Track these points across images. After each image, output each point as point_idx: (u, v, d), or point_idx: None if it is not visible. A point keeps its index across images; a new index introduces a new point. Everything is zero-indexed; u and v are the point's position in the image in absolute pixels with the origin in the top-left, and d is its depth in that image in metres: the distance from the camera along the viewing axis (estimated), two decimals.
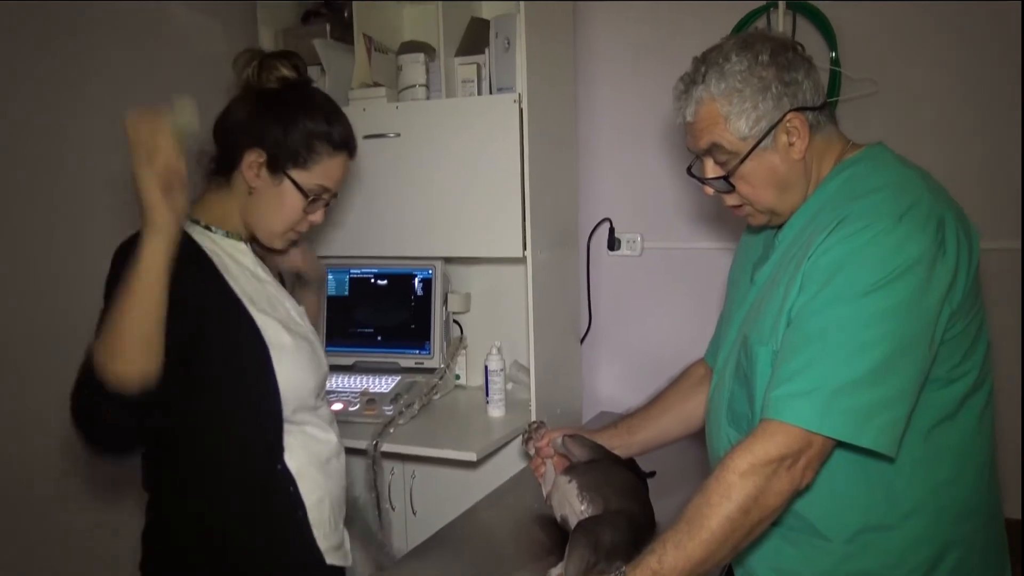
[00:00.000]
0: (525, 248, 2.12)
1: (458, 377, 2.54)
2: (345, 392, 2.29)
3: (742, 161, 1.22)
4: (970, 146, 2.03)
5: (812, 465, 1.09)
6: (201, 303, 1.27)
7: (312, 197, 1.38)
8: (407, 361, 2.42)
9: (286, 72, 1.39)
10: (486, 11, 2.37)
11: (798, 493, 1.10)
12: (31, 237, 1.94)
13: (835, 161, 1.26)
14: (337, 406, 2.21)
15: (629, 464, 1.67)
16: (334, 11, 2.38)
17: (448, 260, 2.46)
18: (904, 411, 1.07)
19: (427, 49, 2.25)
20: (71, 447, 1.95)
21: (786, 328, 1.16)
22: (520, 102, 2.06)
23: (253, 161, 1.34)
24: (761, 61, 1.20)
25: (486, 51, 2.17)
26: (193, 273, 1.26)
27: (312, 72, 2.31)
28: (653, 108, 2.33)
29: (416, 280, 2.43)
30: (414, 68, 2.21)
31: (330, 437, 1.45)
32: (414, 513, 2.37)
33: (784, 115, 1.20)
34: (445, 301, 2.44)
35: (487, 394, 2.25)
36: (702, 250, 2.36)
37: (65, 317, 1.94)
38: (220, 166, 1.39)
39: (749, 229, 1.49)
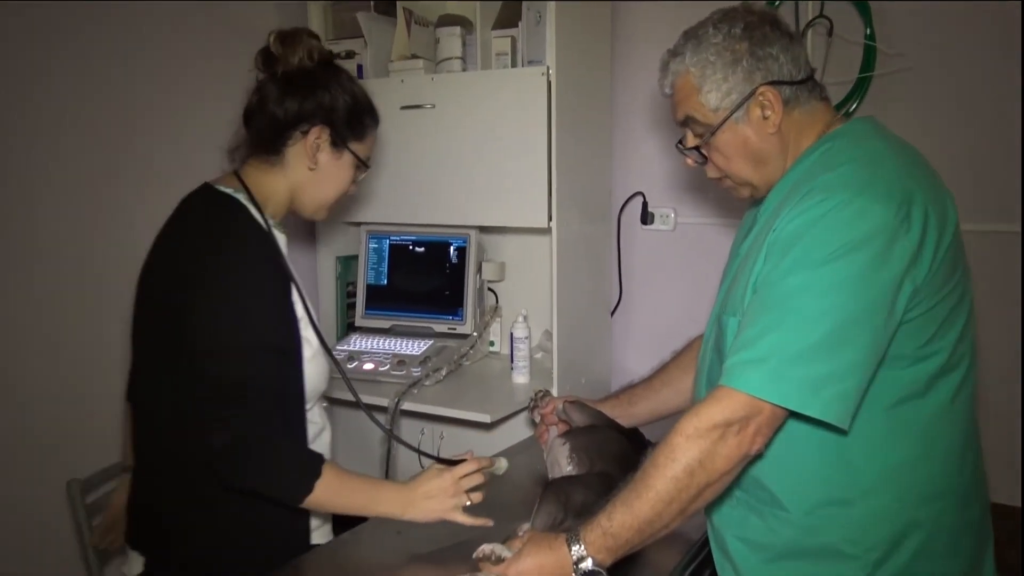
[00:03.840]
0: (551, 219, 2.16)
1: (492, 344, 2.61)
2: (379, 353, 2.39)
3: (713, 133, 1.24)
4: (1002, 125, 1.95)
5: (763, 432, 1.10)
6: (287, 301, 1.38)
7: (362, 167, 1.49)
8: (440, 326, 2.51)
9: (314, 43, 1.43)
10: None
11: (749, 459, 1.13)
12: (95, 212, 2.05)
13: (818, 135, 1.26)
14: (368, 366, 2.32)
15: (632, 433, 1.71)
16: None
17: (484, 229, 2.52)
18: (856, 384, 1.08)
19: (464, 22, 2.29)
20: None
21: (752, 297, 1.18)
22: (548, 75, 2.09)
23: (313, 139, 1.41)
24: (734, 34, 1.21)
25: (520, 24, 2.21)
26: (282, 270, 1.38)
27: (355, 44, 2.41)
28: None
29: (452, 248, 2.50)
30: (451, 41, 2.27)
31: (317, 419, 1.49)
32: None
33: (756, 88, 1.21)
34: (479, 269, 2.50)
35: (511, 361, 2.31)
36: (735, 226, 2.33)
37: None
38: (270, 147, 1.42)
39: (748, 205, 1.50)
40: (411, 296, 2.56)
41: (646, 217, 2.46)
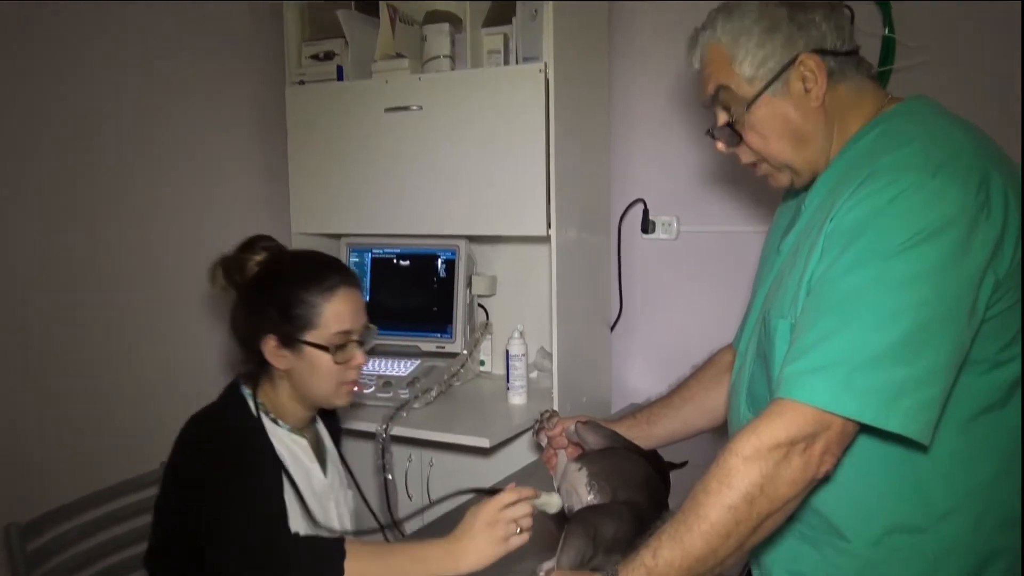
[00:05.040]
0: (549, 226, 2.01)
1: (483, 363, 2.45)
2: (362, 374, 2.21)
3: (749, 106, 1.11)
4: None
5: (832, 450, 0.96)
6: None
7: (335, 347, 1.36)
8: (428, 345, 2.34)
9: (257, 257, 1.41)
10: None
11: (815, 483, 0.98)
12: (60, 228, 1.88)
13: (868, 117, 1.13)
14: None
15: (651, 456, 1.55)
16: None
17: (474, 240, 2.37)
18: (938, 392, 0.93)
19: (453, 19, 2.16)
20: None
21: (806, 298, 1.03)
22: (546, 71, 1.96)
23: (271, 348, 1.37)
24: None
25: (513, 20, 2.07)
26: (274, 476, 1.36)
27: (335, 44, 2.26)
28: (693, 85, 2.20)
29: (439, 261, 2.34)
30: (438, 39, 2.13)
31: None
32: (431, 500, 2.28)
33: (796, 56, 1.08)
34: (469, 283, 2.35)
35: (508, 380, 2.15)
36: (742, 233, 2.22)
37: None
38: (257, 364, 1.41)
39: (784, 198, 1.37)
40: (396, 313, 2.39)
41: (647, 226, 2.32)
